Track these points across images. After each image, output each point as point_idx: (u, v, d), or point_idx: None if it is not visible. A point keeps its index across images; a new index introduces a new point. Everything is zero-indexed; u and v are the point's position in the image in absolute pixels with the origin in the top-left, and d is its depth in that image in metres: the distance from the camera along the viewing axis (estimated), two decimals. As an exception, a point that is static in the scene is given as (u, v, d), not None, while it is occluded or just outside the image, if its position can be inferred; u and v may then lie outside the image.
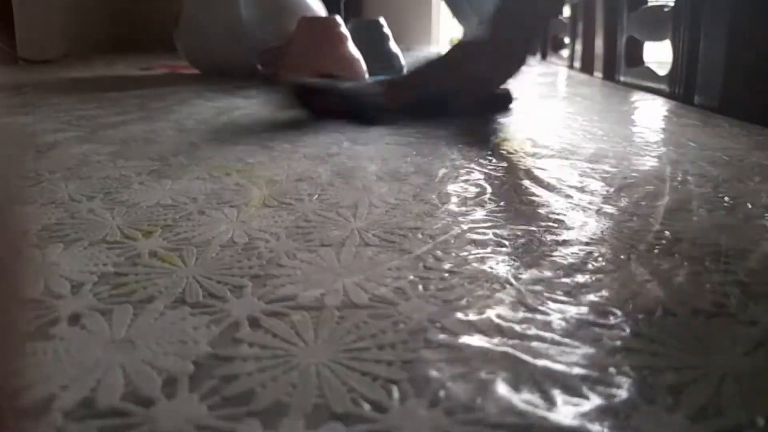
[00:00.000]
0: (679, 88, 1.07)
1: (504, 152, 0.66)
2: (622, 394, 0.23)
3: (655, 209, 0.46)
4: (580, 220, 0.43)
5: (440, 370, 0.25)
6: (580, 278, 0.34)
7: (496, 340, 0.27)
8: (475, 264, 0.36)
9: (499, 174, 0.57)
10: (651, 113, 0.96)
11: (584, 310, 0.30)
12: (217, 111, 0.96)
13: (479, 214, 0.45)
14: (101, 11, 2.34)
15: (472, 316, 0.29)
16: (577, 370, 0.25)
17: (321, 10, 1.66)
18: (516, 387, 0.24)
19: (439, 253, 0.37)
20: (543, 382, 0.24)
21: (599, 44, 1.51)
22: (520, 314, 0.30)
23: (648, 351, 0.26)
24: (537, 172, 0.57)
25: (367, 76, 1.21)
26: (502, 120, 0.88)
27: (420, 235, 0.40)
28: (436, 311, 0.30)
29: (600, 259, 0.36)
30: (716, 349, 0.27)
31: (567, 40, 1.96)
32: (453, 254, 0.37)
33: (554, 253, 0.37)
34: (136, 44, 2.47)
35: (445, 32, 3.54)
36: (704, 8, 0.98)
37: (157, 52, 2.26)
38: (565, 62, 1.91)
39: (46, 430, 0.21)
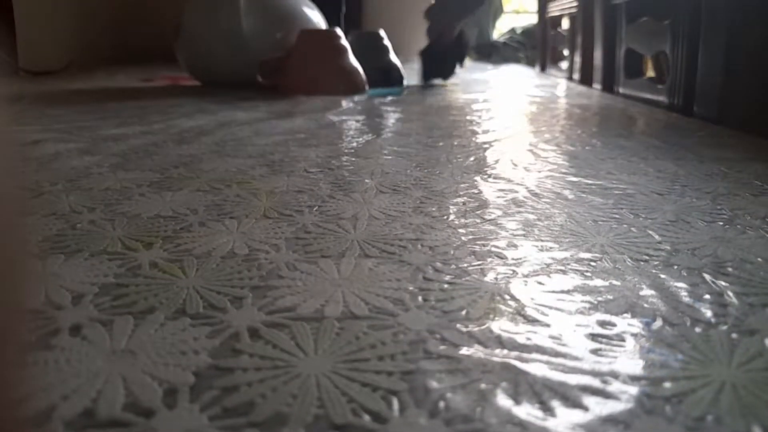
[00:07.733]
0: (677, 99, 1.08)
1: (503, 165, 0.67)
2: (621, 404, 0.23)
3: (654, 221, 0.46)
4: (579, 232, 0.43)
5: (440, 381, 0.25)
6: (579, 289, 0.34)
7: (495, 351, 0.27)
8: (474, 275, 0.36)
9: (498, 185, 0.57)
10: (650, 124, 0.97)
11: (584, 320, 0.30)
12: (218, 123, 0.96)
13: (479, 226, 0.45)
14: (102, 23, 2.36)
15: (471, 327, 0.29)
16: (576, 381, 0.25)
17: (321, 23, 1.67)
18: (515, 397, 0.24)
19: (438, 264, 0.37)
20: (542, 392, 0.24)
21: (598, 56, 1.52)
22: (520, 325, 0.30)
23: (647, 361, 0.26)
24: (535, 185, 0.57)
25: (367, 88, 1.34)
26: (502, 128, 0.89)
27: (420, 246, 0.40)
28: (436, 322, 0.30)
29: (599, 270, 0.37)
30: (715, 358, 0.27)
31: (566, 52, 1.97)
32: (453, 265, 0.37)
33: (553, 265, 0.37)
34: (137, 56, 2.48)
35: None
36: (702, 20, 0.98)
37: (158, 64, 2.27)
38: (564, 74, 1.92)
39: (47, 440, 0.22)
